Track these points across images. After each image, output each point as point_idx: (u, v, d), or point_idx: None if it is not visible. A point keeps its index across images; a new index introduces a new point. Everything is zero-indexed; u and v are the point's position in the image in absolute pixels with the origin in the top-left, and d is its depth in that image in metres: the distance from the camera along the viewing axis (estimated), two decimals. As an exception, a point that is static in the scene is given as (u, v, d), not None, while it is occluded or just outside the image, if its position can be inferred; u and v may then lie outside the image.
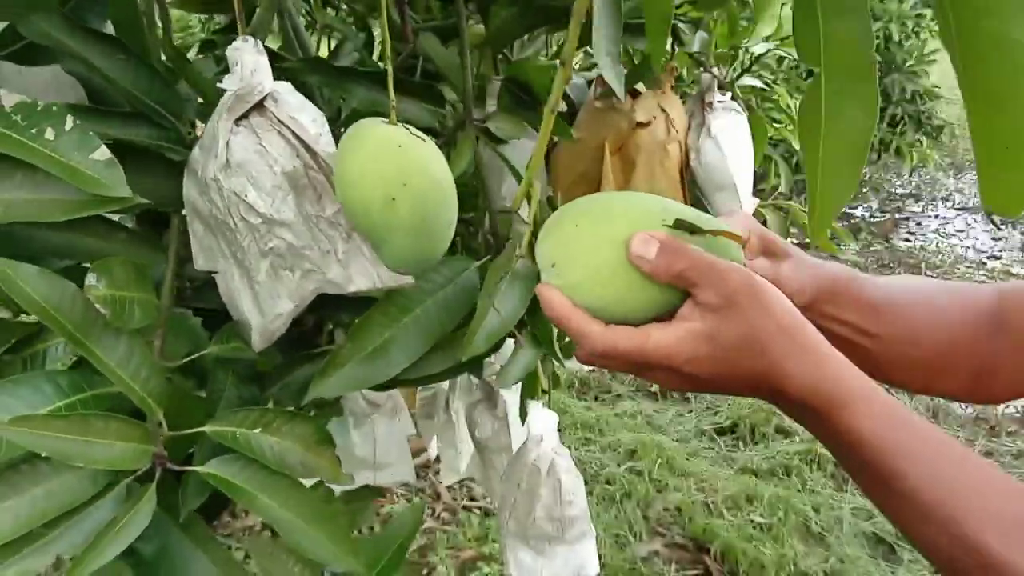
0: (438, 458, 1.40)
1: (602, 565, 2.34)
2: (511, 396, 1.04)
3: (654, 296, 0.55)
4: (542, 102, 0.81)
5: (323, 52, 1.18)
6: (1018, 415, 3.22)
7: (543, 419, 0.86)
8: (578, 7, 0.60)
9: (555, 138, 1.22)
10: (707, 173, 1.14)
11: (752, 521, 2.53)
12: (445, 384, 1.26)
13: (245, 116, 0.61)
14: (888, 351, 0.71)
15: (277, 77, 0.66)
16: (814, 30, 0.44)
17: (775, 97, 1.74)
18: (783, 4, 1.29)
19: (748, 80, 1.50)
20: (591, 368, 2.60)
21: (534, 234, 0.63)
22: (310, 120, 0.62)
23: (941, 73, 4.89)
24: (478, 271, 0.72)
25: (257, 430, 0.62)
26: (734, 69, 1.45)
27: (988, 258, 5.01)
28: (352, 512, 0.82)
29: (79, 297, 0.58)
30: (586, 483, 2.86)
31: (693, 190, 1.16)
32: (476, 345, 0.64)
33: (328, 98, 0.92)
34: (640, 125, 1.09)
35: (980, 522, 0.49)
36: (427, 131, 0.69)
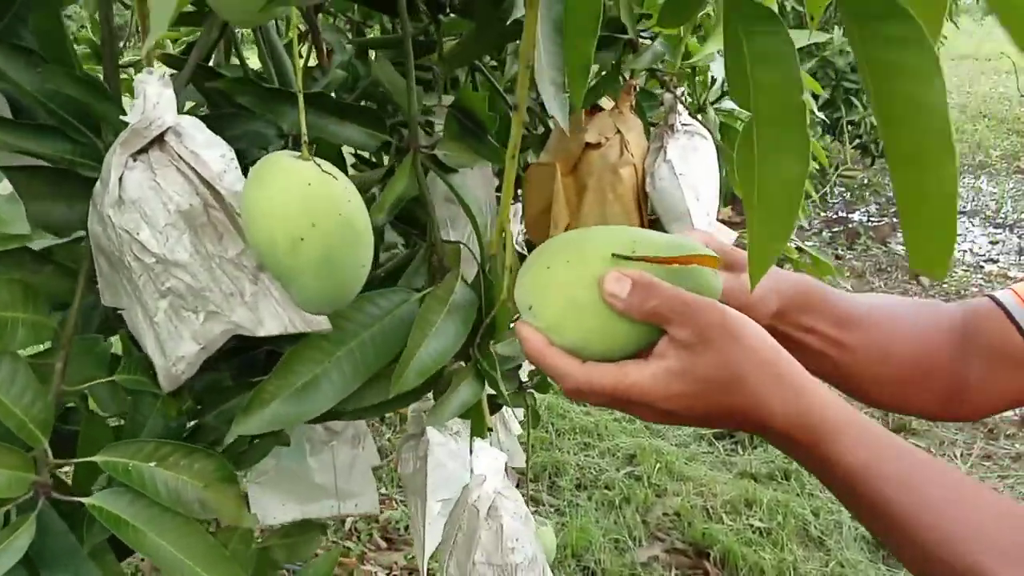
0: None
1: (602, 571, 2.34)
2: (437, 436, 1.02)
3: (631, 333, 0.55)
4: (487, 131, 0.80)
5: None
6: (1016, 418, 3.19)
7: (489, 458, 0.83)
8: (524, 49, 0.59)
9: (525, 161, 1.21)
10: (661, 199, 1.09)
11: (751, 525, 2.53)
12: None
13: (144, 151, 0.59)
14: (858, 364, 0.72)
15: (209, 95, 0.63)
16: (743, 75, 0.44)
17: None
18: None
19: (728, 103, 1.48)
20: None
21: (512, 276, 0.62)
22: (217, 156, 0.60)
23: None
24: (418, 303, 0.70)
25: (151, 463, 0.60)
26: (714, 92, 1.43)
27: (985, 261, 4.99)
28: (290, 546, 0.81)
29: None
30: (585, 488, 2.86)
31: (652, 217, 1.11)
32: (406, 380, 0.63)
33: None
34: (590, 146, 1.05)
35: (975, 544, 0.50)
36: (367, 162, 0.68)
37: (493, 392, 0.78)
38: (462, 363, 0.77)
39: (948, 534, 0.50)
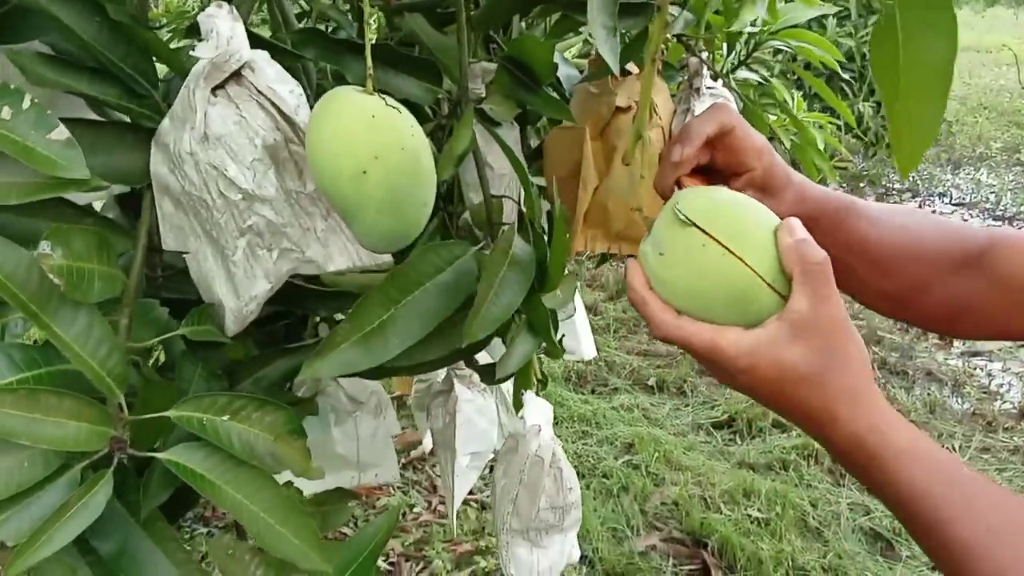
0: (433, 451, 1.38)
1: (599, 559, 2.33)
2: (465, 393, 1.03)
3: (737, 317, 0.57)
4: (543, 83, 0.78)
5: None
6: (1015, 411, 3.21)
7: (539, 409, 0.85)
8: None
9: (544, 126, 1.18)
10: None
11: (750, 516, 2.52)
12: (440, 375, 1.24)
13: (222, 86, 0.57)
14: (863, 279, 0.75)
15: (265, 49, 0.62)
16: None
17: (772, 91, 1.70)
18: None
19: (744, 74, 1.46)
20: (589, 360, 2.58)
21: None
22: (288, 91, 0.59)
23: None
24: (474, 257, 0.69)
25: (225, 417, 0.58)
26: (731, 63, 1.41)
27: (986, 252, 5.00)
28: (324, 514, 0.78)
29: (35, 266, 0.54)
30: (583, 477, 2.86)
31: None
32: (478, 330, 0.61)
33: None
34: (620, 110, 1.04)
35: None
36: (420, 114, 0.66)
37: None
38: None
39: (1005, 562, 0.51)
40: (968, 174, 6.59)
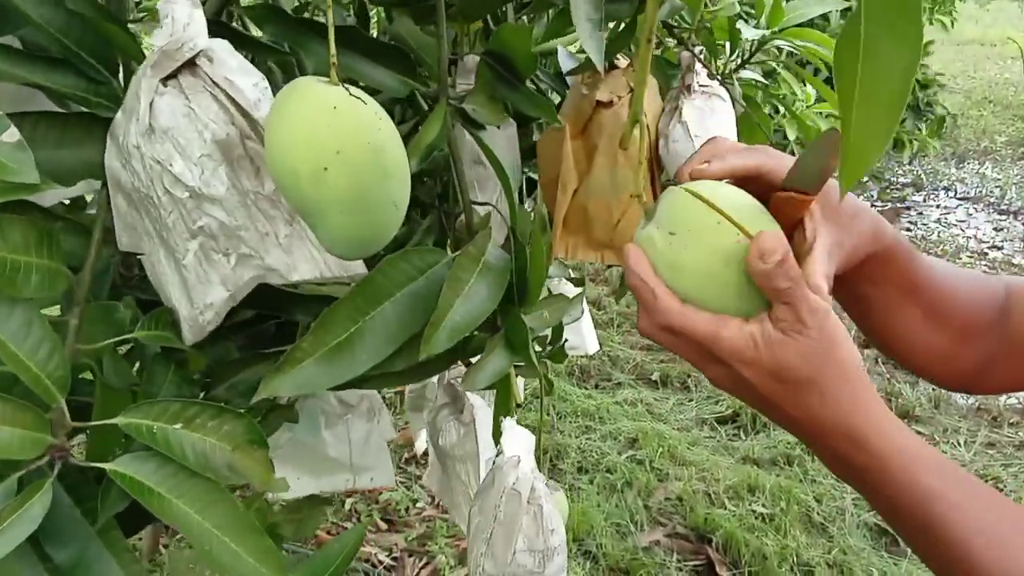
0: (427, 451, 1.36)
1: (603, 555, 2.32)
2: (476, 400, 0.98)
3: (740, 309, 0.53)
4: (524, 77, 0.75)
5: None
6: (1020, 406, 3.19)
7: (519, 438, 0.78)
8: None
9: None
10: (674, 162, 1.02)
11: (754, 511, 2.51)
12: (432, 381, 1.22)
13: (174, 76, 0.53)
14: (918, 330, 0.70)
15: (226, 25, 0.59)
16: None
17: (776, 89, 1.67)
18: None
19: (748, 73, 1.44)
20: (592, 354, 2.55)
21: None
22: (250, 84, 0.55)
23: (942, 63, 4.79)
24: (447, 265, 0.65)
25: (177, 425, 0.54)
26: (734, 62, 1.39)
27: (990, 248, 4.99)
28: (298, 522, 0.76)
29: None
30: (586, 472, 2.84)
31: (663, 183, 1.06)
32: (436, 342, 0.58)
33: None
34: (601, 105, 0.99)
35: None
36: (394, 110, 0.62)
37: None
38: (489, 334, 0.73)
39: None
40: (973, 168, 6.54)
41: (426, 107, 0.79)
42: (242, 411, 0.57)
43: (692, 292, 0.53)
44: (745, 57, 1.40)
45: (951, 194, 6.05)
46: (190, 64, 0.54)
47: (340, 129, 0.51)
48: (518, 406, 0.86)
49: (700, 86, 1.09)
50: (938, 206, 5.83)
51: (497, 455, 0.84)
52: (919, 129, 5.25)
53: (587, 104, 1.03)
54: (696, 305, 0.54)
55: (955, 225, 5.43)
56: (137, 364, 0.71)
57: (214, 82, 0.54)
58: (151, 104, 0.53)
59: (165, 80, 0.54)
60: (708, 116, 1.06)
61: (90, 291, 0.61)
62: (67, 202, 0.81)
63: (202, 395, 0.72)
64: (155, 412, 0.55)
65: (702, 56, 1.14)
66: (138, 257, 0.63)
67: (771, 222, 0.54)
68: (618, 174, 1.03)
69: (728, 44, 1.35)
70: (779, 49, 1.48)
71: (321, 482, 1.03)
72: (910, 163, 6.40)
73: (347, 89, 0.53)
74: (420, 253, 0.64)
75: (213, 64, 0.54)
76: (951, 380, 0.74)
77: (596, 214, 1.03)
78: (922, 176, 6.36)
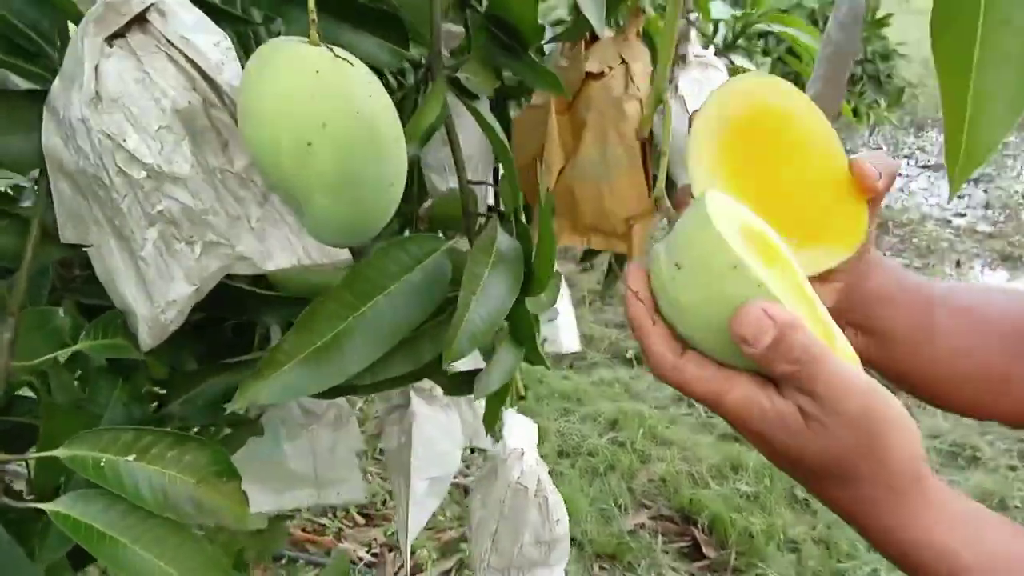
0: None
1: (589, 541, 2.28)
2: (423, 408, 0.90)
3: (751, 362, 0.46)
4: (529, 46, 0.67)
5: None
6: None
7: (522, 429, 0.74)
8: None
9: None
10: (670, 140, 0.96)
11: (738, 490, 2.49)
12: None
13: (121, 35, 0.45)
14: (940, 359, 0.61)
15: None
16: None
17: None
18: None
19: (739, 60, 1.36)
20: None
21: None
22: (211, 44, 0.46)
23: (901, 31, 4.79)
24: (446, 255, 0.57)
25: (130, 457, 0.47)
26: (716, 44, 1.32)
27: (954, 215, 5.04)
28: (261, 544, 0.68)
29: None
30: (568, 455, 2.78)
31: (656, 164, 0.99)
32: (459, 347, 0.50)
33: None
34: (591, 76, 0.91)
35: None
36: (384, 80, 0.54)
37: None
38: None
39: None
40: (932, 136, 6.61)
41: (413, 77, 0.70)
42: (206, 439, 0.49)
43: (695, 337, 0.47)
44: (728, 41, 1.34)
45: (912, 162, 6.13)
46: (140, 20, 0.45)
47: (325, 97, 0.44)
48: (521, 398, 0.79)
49: (695, 56, 1.01)
50: (900, 175, 5.89)
51: (498, 446, 0.80)
52: (877, 103, 5.26)
53: (574, 76, 0.94)
54: (700, 349, 0.46)
55: (918, 193, 5.51)
56: (77, 376, 0.61)
57: (169, 41, 0.45)
58: (96, 68, 0.44)
59: (110, 39, 0.45)
60: (705, 88, 0.99)
61: (26, 296, 0.52)
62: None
63: (156, 412, 0.63)
64: (103, 442, 0.47)
65: (697, 22, 1.06)
66: (82, 251, 0.53)
67: (802, 283, 0.47)
68: (609, 152, 0.94)
69: (711, 26, 1.29)
70: (764, 37, 1.42)
71: (283, 499, 0.94)
72: (871, 135, 6.45)
73: (331, 50, 0.45)
74: (415, 241, 0.56)
75: (166, 19, 0.45)
76: (1001, 416, 0.64)
77: (584, 196, 0.95)
78: (882, 147, 6.41)
